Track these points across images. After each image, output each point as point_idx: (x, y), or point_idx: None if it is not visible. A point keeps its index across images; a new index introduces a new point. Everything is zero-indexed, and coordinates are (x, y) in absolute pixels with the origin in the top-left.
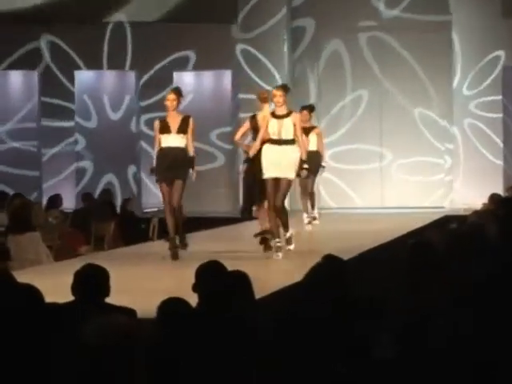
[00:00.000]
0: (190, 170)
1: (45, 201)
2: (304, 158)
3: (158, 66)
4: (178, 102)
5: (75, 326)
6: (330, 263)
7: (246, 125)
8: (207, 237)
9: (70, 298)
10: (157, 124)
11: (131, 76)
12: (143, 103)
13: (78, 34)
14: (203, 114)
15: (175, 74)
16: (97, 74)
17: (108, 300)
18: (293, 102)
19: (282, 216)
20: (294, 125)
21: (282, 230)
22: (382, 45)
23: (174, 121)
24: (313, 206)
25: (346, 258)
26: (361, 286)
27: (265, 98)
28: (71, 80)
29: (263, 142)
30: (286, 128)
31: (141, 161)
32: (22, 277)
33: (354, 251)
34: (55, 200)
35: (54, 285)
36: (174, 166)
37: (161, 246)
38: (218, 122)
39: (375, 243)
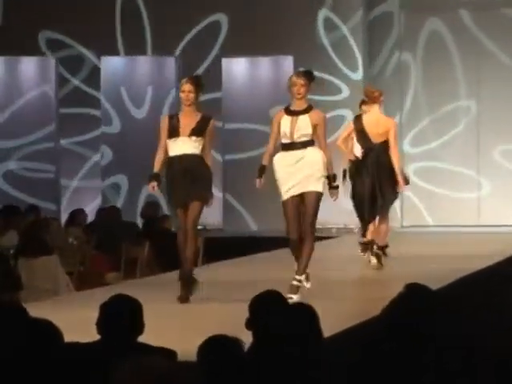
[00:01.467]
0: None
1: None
2: (331, 171)
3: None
4: (197, 95)
5: (102, 371)
6: (414, 294)
7: (350, 127)
8: (267, 260)
9: (95, 336)
10: (165, 121)
11: (171, 62)
12: None
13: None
14: (259, 116)
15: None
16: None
17: (141, 339)
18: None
19: (308, 244)
20: (316, 126)
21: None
22: None
23: (189, 120)
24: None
25: (434, 286)
26: (451, 322)
27: (375, 97)
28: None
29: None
30: (300, 127)
31: None
32: (37, 310)
33: (444, 278)
34: (77, 216)
35: (76, 320)
36: (189, 180)
37: (206, 272)
38: None
39: (468, 269)
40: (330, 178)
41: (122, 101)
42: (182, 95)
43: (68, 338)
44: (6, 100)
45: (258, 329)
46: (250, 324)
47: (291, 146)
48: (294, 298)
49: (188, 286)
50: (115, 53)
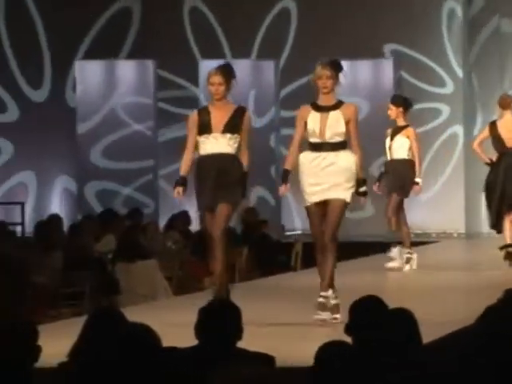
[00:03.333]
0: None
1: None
2: (362, 175)
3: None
4: (228, 87)
5: (199, 377)
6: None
7: (485, 131)
8: (354, 267)
9: (194, 341)
10: (194, 117)
11: (270, 66)
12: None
13: None
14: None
15: None
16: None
17: (240, 344)
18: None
19: (331, 257)
20: (348, 121)
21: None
22: None
23: (221, 114)
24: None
25: None
26: None
27: (507, 104)
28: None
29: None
30: (332, 125)
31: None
32: (134, 314)
33: None
34: (178, 219)
35: (174, 325)
36: (220, 183)
37: (306, 277)
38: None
39: None
40: (359, 183)
41: None
42: (211, 88)
43: (166, 342)
44: (103, 101)
45: (358, 334)
46: (349, 329)
47: (321, 147)
48: (323, 315)
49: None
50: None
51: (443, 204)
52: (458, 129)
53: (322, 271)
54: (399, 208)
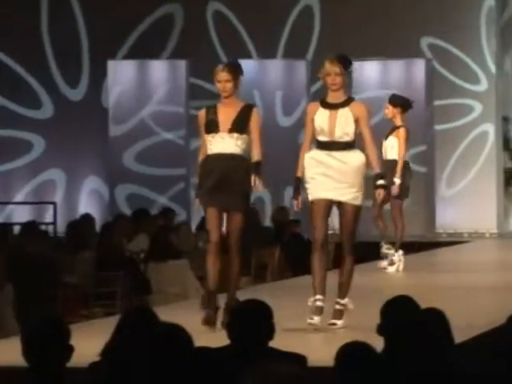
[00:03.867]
0: (252, 178)
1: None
2: (378, 169)
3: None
4: (235, 84)
5: (231, 376)
6: None
7: None
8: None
9: (225, 340)
10: (201, 116)
11: (302, 66)
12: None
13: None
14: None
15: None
16: (266, 64)
17: (272, 344)
18: None
19: (348, 264)
20: (358, 119)
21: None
22: None
23: (228, 112)
24: (395, 245)
25: None
26: None
27: None
28: None
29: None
30: (341, 124)
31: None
32: (166, 314)
33: None
34: None
35: None
36: (225, 184)
37: (337, 276)
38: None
39: None
40: (377, 177)
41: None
42: (219, 85)
43: (198, 342)
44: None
45: (390, 334)
46: (381, 329)
47: (330, 146)
48: (339, 323)
49: (217, 307)
50: (247, 56)
51: (474, 203)
52: (489, 127)
53: (321, 277)
54: (400, 210)
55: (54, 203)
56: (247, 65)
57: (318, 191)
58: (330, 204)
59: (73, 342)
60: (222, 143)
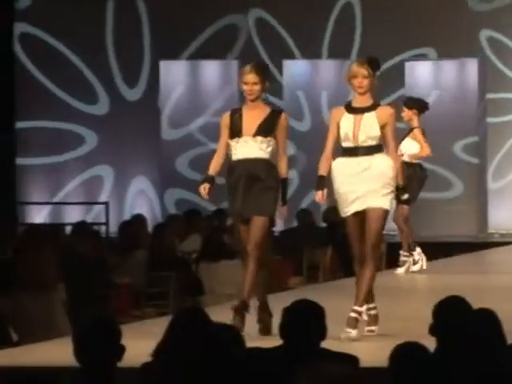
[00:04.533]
0: (279, 206)
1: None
2: (401, 181)
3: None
4: (263, 87)
5: (284, 376)
6: None
7: None
8: (444, 266)
9: (278, 341)
10: (226, 119)
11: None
12: None
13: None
14: (444, 118)
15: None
16: (313, 65)
17: (324, 344)
18: None
19: (369, 270)
20: (384, 125)
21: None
22: None
23: (254, 116)
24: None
25: None
26: None
27: None
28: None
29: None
30: (366, 128)
31: None
32: (218, 314)
33: None
34: None
35: (257, 325)
36: (251, 190)
37: (390, 277)
38: (463, 129)
39: None
40: (400, 190)
41: (300, 105)
42: (245, 88)
43: (250, 342)
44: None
45: (442, 334)
46: (433, 329)
47: (355, 152)
48: (353, 333)
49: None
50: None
51: None
52: None
53: (359, 284)
54: (405, 215)
55: (106, 203)
56: (293, 65)
57: (347, 207)
58: (361, 218)
59: (125, 342)
60: (245, 147)
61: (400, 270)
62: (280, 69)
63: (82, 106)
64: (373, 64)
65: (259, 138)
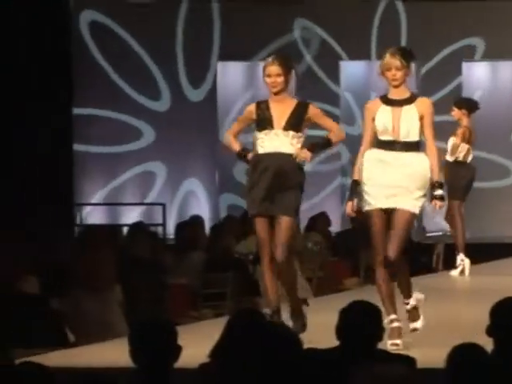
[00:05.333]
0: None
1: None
2: (437, 177)
3: (440, 55)
4: (287, 79)
5: (340, 377)
6: None
7: None
8: (496, 268)
9: (334, 342)
10: (251, 109)
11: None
12: None
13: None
14: (499, 115)
15: (464, 65)
16: (364, 66)
17: (380, 345)
18: None
19: (402, 274)
20: (422, 117)
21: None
22: None
23: (282, 109)
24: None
25: None
26: None
27: None
28: (333, 74)
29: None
30: (407, 122)
31: None
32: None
33: None
34: (318, 221)
35: (315, 326)
36: (277, 188)
37: (446, 279)
38: None
39: None
40: (435, 186)
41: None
42: (268, 80)
43: (307, 343)
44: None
45: (499, 335)
46: (491, 330)
47: (393, 146)
48: (418, 325)
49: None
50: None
51: None
52: None
53: (389, 298)
54: (458, 212)
55: (163, 205)
56: (365, 66)
57: (375, 200)
58: (387, 215)
59: (182, 343)
60: (277, 141)
61: (454, 272)
62: (335, 72)
63: (143, 100)
64: (406, 54)
65: (291, 133)
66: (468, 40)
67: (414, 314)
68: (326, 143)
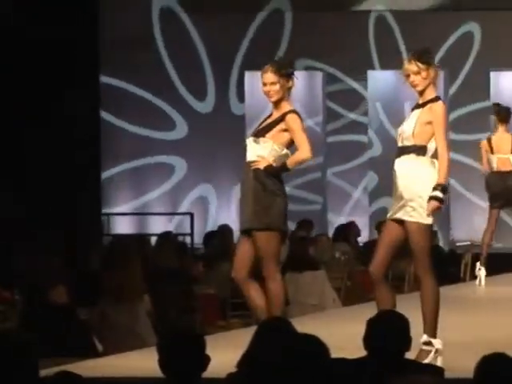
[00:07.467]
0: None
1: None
2: (441, 181)
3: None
4: (283, 86)
5: None
6: None
7: None
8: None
9: (362, 352)
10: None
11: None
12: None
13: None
14: None
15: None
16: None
17: (408, 355)
18: None
19: (427, 292)
20: (429, 122)
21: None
22: None
23: (272, 119)
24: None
25: None
26: None
27: None
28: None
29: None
30: (407, 126)
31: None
32: (302, 325)
33: None
34: (346, 230)
35: (342, 335)
36: (246, 201)
37: (474, 289)
38: None
39: None
40: (436, 188)
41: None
42: (264, 89)
43: (335, 353)
44: None
45: None
46: None
47: (399, 151)
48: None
49: None
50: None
51: None
52: None
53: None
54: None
55: (191, 214)
56: (394, 75)
57: (390, 209)
58: (397, 226)
59: (210, 352)
60: (248, 150)
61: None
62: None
63: (161, 134)
64: (421, 57)
65: (261, 139)
66: None
67: (422, 356)
68: (283, 167)
